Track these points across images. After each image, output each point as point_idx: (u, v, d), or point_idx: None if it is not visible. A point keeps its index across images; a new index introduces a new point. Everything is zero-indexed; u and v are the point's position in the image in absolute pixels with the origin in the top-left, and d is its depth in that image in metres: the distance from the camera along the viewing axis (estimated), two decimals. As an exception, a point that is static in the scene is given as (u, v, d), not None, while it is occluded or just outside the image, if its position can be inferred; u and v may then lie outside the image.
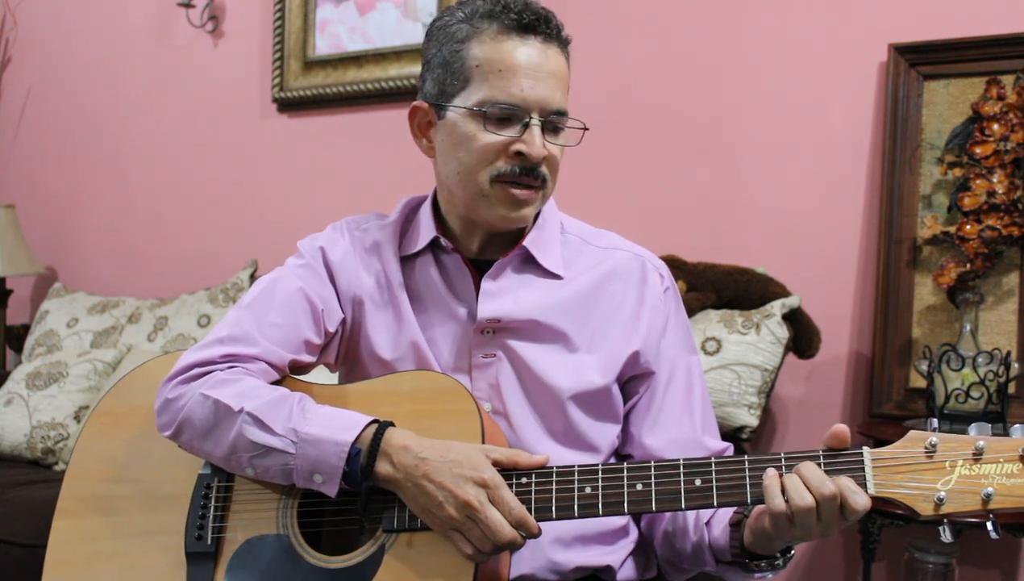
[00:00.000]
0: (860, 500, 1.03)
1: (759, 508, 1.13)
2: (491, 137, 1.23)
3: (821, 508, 1.04)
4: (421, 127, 1.34)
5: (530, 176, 1.24)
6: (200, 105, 3.45)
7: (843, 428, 1.08)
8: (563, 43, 1.27)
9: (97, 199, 3.69)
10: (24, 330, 3.59)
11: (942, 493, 1.03)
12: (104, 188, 3.67)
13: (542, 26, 1.24)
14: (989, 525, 1.04)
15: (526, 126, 1.23)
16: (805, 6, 2.52)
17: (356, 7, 3.13)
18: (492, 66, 1.23)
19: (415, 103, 1.32)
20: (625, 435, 1.37)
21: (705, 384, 1.40)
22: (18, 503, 2.39)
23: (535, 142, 1.22)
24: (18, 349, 3.59)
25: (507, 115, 1.23)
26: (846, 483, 1.04)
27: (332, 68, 3.17)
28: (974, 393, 2.07)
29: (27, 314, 3.83)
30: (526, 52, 1.23)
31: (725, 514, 1.24)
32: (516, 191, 1.25)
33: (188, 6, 3.36)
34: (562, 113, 1.26)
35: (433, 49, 1.29)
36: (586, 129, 1.29)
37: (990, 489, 1.01)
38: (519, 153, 1.23)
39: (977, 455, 1.03)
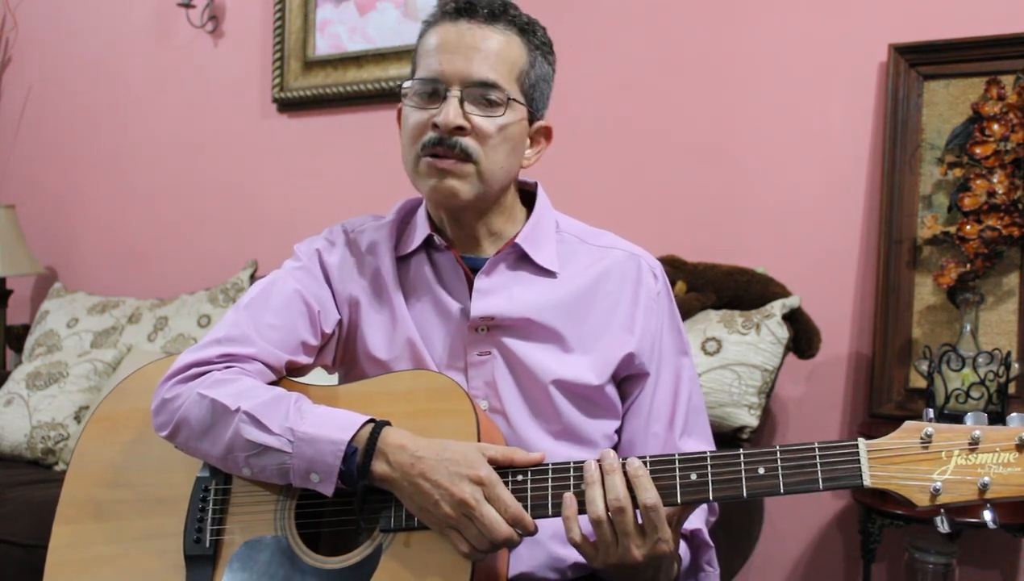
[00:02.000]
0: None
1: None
2: (417, 114, 1.26)
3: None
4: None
5: (443, 145, 1.24)
6: (200, 105, 3.45)
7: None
8: (509, 23, 1.27)
9: (97, 199, 3.68)
10: (24, 330, 3.59)
11: (938, 483, 1.02)
12: (104, 188, 3.67)
13: (478, 11, 1.25)
14: (987, 515, 1.03)
15: (445, 100, 1.24)
16: (805, 6, 2.52)
17: (356, 7, 3.13)
18: (422, 50, 1.29)
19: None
20: (619, 435, 1.36)
21: (697, 386, 1.39)
22: (18, 503, 2.38)
23: (445, 111, 1.23)
24: (18, 349, 3.59)
25: (428, 90, 1.25)
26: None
27: (332, 68, 3.17)
28: (974, 393, 2.07)
29: (27, 314, 3.83)
30: (452, 31, 1.25)
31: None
32: (432, 160, 1.25)
33: (188, 6, 3.36)
34: (487, 84, 1.24)
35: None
36: (530, 110, 1.29)
37: (987, 478, 1.01)
38: (436, 124, 1.24)
39: (973, 445, 1.03)
